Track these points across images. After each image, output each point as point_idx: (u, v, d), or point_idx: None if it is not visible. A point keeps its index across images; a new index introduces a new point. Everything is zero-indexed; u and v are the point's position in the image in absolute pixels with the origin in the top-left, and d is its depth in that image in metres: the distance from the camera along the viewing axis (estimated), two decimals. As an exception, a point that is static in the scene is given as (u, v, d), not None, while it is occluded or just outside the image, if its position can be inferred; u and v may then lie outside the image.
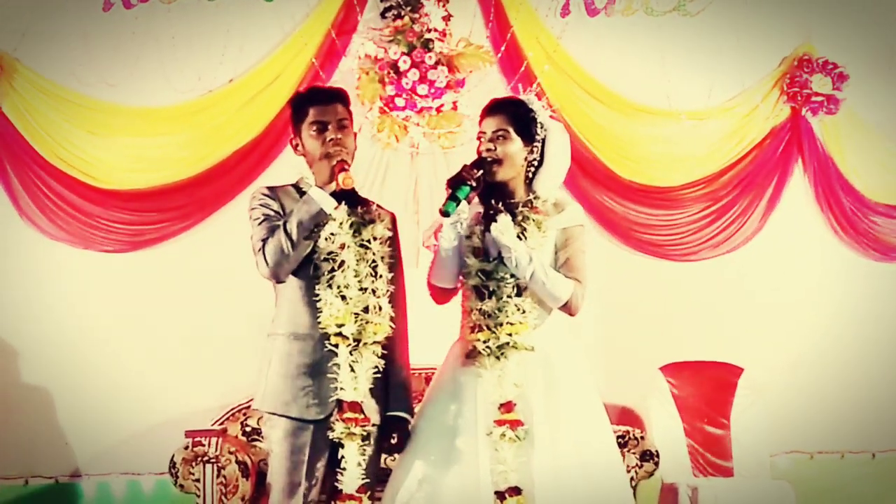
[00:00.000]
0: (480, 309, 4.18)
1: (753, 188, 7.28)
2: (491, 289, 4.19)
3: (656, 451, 6.25)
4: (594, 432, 4.28)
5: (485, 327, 4.16)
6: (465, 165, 4.23)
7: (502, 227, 4.17)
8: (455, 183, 4.14)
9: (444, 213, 4.11)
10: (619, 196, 7.18)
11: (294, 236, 4.05)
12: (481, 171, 4.19)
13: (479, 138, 4.35)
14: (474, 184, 4.15)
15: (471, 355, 4.20)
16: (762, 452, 6.83)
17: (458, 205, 4.10)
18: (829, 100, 7.24)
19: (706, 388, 6.88)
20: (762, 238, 7.30)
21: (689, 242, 7.24)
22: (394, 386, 4.32)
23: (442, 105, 6.96)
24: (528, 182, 4.40)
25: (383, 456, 4.44)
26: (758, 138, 7.32)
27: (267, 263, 4.11)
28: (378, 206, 4.47)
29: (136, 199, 6.87)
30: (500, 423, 4.06)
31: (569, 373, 4.30)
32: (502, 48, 7.07)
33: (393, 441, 4.30)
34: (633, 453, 6.14)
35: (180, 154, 6.92)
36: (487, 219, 4.24)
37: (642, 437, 6.28)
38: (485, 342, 4.14)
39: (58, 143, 6.80)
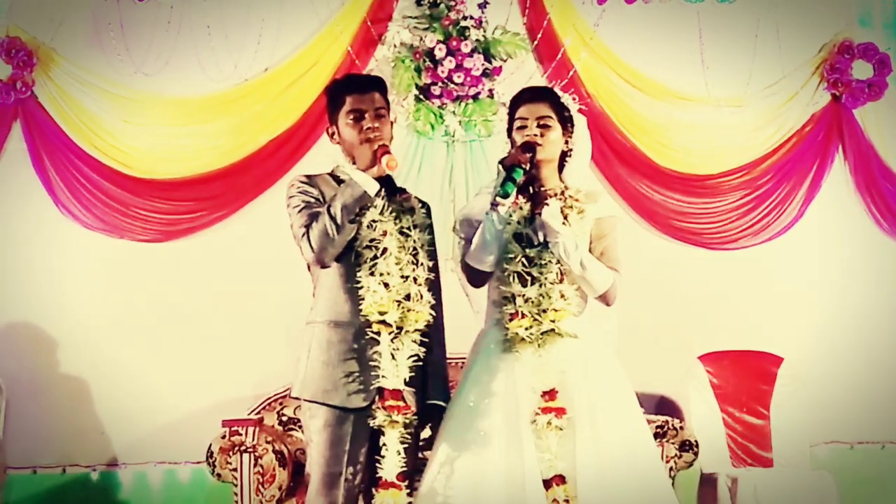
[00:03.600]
0: (524, 295, 4.13)
1: (793, 176, 7.24)
2: (534, 275, 4.15)
3: (695, 441, 6.22)
4: (631, 421, 4.25)
5: (527, 314, 4.12)
6: (516, 148, 4.19)
7: (553, 213, 4.14)
8: (510, 165, 4.10)
9: (504, 195, 4.03)
10: (657, 184, 7.15)
11: (339, 219, 4.02)
12: (531, 155, 4.16)
13: (518, 126, 4.30)
14: (527, 167, 4.12)
15: (510, 342, 4.15)
16: (802, 442, 6.79)
17: (514, 186, 4.05)
18: (871, 86, 7.18)
19: (745, 377, 6.85)
20: (802, 226, 7.26)
21: (728, 231, 7.21)
22: (431, 374, 4.30)
23: (478, 93, 6.94)
24: (558, 171, 4.38)
25: (421, 445, 4.42)
26: (797, 125, 7.27)
27: (312, 248, 4.07)
28: (415, 196, 4.44)
29: (171, 189, 6.88)
30: (544, 410, 4.02)
31: (604, 362, 4.28)
32: (538, 36, 7.04)
33: (430, 429, 4.29)
34: (672, 443, 6.10)
35: (216, 143, 6.93)
36: (533, 205, 4.20)
37: (681, 427, 6.24)
38: (527, 329, 4.10)
39: (94, 132, 6.82)
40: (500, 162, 4.18)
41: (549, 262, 4.15)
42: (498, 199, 4.06)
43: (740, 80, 7.21)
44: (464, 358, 6.38)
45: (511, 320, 4.13)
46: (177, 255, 6.90)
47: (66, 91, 6.82)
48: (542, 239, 4.16)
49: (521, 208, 4.21)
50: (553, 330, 4.10)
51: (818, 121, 7.28)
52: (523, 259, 4.16)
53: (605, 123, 7.00)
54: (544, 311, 4.11)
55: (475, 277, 4.31)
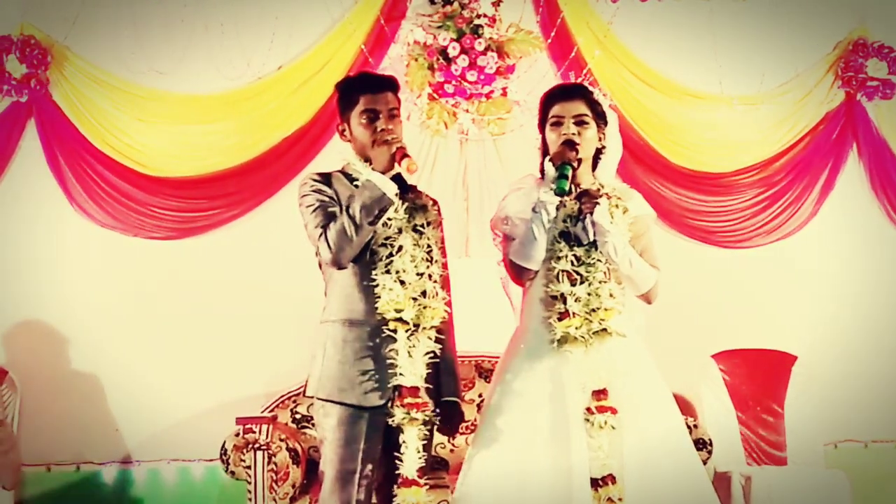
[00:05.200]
0: (574, 294, 4.12)
1: (807, 174, 7.23)
2: (583, 274, 4.15)
3: (709, 440, 6.21)
4: (670, 419, 4.26)
5: (577, 313, 4.11)
6: (561, 146, 4.18)
7: (604, 212, 4.14)
8: (560, 163, 4.10)
9: (561, 193, 4.05)
10: (670, 182, 7.15)
11: (358, 220, 4.01)
12: (575, 153, 4.16)
13: (553, 122, 4.28)
14: (576, 164, 4.12)
15: (560, 342, 4.13)
16: (816, 441, 6.79)
17: (568, 182, 4.06)
18: (885, 84, 7.18)
19: (759, 376, 6.85)
20: (816, 224, 7.26)
21: (741, 229, 7.21)
22: (444, 371, 4.28)
23: (491, 91, 6.93)
24: (592, 169, 4.38)
25: (435, 442, 4.42)
26: (811, 123, 7.27)
27: (330, 249, 4.06)
28: (425, 193, 4.44)
29: (185, 187, 6.89)
30: (599, 409, 4.02)
31: (643, 360, 4.29)
32: (552, 34, 7.03)
33: (446, 426, 4.29)
34: (686, 442, 6.09)
35: (229, 141, 6.94)
36: (580, 203, 4.19)
37: (695, 426, 6.24)
38: (577, 328, 4.09)
39: (108, 130, 6.84)
40: (549, 160, 4.16)
41: (598, 260, 4.15)
42: (557, 196, 4.07)
43: (754, 77, 7.21)
44: (477, 356, 6.42)
45: (560, 320, 4.13)
46: (190, 253, 6.91)
47: (80, 89, 6.83)
48: (591, 238, 4.16)
49: (564, 205, 4.21)
50: (605, 329, 4.10)
51: (832, 119, 7.27)
52: (572, 258, 4.17)
53: (619, 122, 6.95)
54: (594, 310, 4.11)
55: (520, 275, 4.30)
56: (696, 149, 7.18)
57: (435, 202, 4.44)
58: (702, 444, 6.16)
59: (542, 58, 7.08)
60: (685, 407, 6.77)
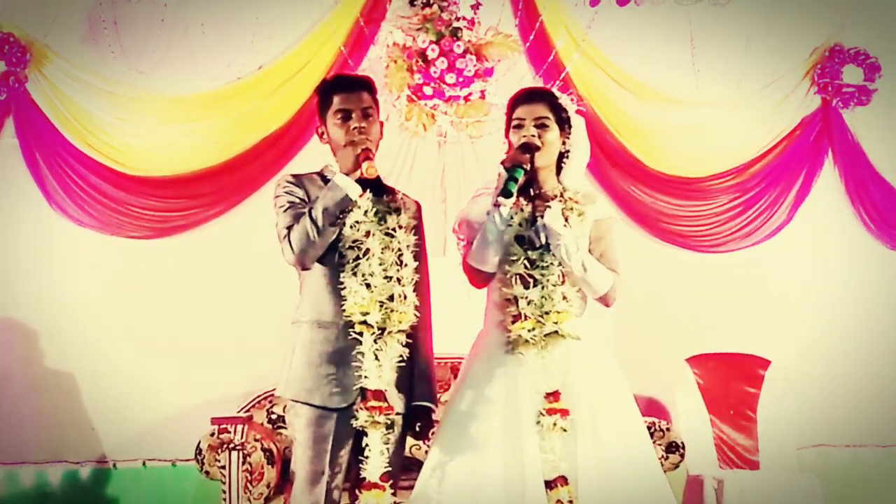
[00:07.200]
0: (526, 297, 4.14)
1: (782, 179, 7.27)
2: (536, 277, 4.17)
3: (682, 443, 6.24)
4: (630, 422, 4.26)
5: (530, 316, 4.13)
6: (515, 149, 4.20)
7: (555, 215, 4.16)
8: (511, 166, 4.11)
9: (507, 195, 4.04)
10: (646, 186, 7.18)
11: (320, 223, 4.03)
12: (530, 156, 4.17)
13: (514, 125, 4.30)
14: (527, 167, 4.13)
15: (513, 344, 4.17)
16: (789, 445, 6.82)
17: (517, 186, 4.07)
18: (861, 91, 7.21)
19: (733, 380, 6.88)
20: (791, 230, 7.29)
21: (716, 234, 7.24)
22: (418, 376, 4.29)
23: (470, 94, 6.95)
24: (557, 172, 4.39)
25: (408, 445, 4.43)
26: (787, 129, 7.30)
27: (293, 250, 4.09)
28: (404, 194, 4.44)
29: (164, 186, 6.89)
30: (549, 412, 4.02)
31: (604, 362, 4.29)
32: (531, 37, 7.06)
33: (417, 430, 4.30)
34: (659, 445, 6.11)
35: (209, 141, 6.94)
36: (534, 207, 4.21)
37: (668, 429, 6.26)
38: (530, 331, 4.11)
39: (87, 129, 6.83)
40: (500, 163, 4.18)
41: (551, 264, 4.14)
42: (501, 199, 4.08)
43: (731, 83, 7.24)
44: (453, 358, 6.43)
45: (514, 322, 4.14)
46: (169, 253, 6.91)
47: (60, 88, 6.82)
48: (543, 241, 4.16)
49: (522, 210, 4.22)
50: (556, 332, 4.10)
51: (808, 124, 7.31)
52: (525, 261, 4.16)
53: (596, 125, 6.99)
54: (547, 313, 4.11)
55: (477, 278, 4.31)
56: (672, 153, 7.20)
57: (416, 205, 4.45)
58: (675, 447, 6.19)
59: (521, 61, 7.10)
60: (659, 410, 6.81)
